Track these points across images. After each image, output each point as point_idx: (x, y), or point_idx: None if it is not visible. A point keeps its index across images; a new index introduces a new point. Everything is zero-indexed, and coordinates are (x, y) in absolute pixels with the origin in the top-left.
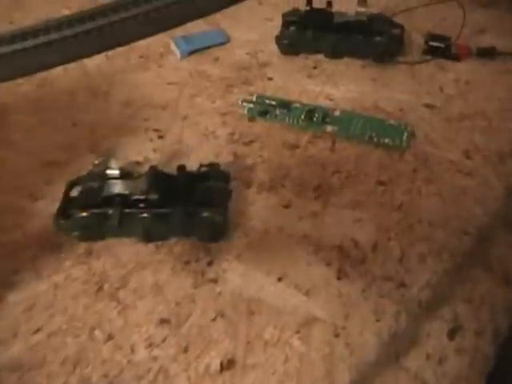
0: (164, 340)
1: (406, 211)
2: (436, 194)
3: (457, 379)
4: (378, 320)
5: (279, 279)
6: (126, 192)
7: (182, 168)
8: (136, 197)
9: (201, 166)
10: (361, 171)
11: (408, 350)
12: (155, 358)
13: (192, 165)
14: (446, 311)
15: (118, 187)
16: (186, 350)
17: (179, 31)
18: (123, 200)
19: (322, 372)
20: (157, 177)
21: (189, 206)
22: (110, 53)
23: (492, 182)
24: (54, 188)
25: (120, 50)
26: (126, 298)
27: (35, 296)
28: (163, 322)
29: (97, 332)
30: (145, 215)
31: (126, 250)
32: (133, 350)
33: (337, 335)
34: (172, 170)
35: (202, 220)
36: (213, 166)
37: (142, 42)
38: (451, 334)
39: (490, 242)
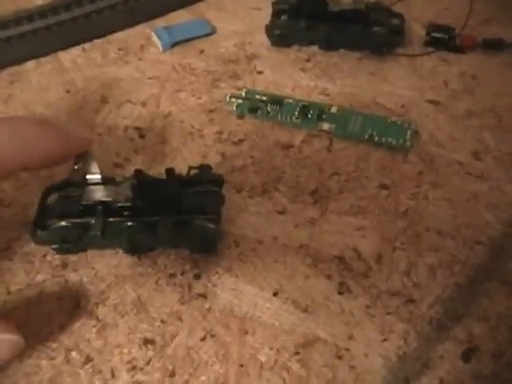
0: (148, 362)
1: (412, 218)
2: (444, 198)
3: None
4: (384, 340)
5: (274, 294)
6: (109, 199)
7: (171, 171)
8: (120, 204)
9: (190, 168)
10: (361, 174)
11: (419, 373)
12: (138, 383)
13: (177, 166)
14: (460, 330)
15: (99, 194)
16: (172, 374)
17: (161, 22)
18: (106, 208)
19: None
20: (143, 181)
21: (179, 213)
22: (86, 45)
23: (505, 185)
24: (24, 194)
25: (97, 42)
26: (106, 315)
27: (5, 314)
28: (147, 342)
29: (74, 354)
30: (130, 224)
31: (104, 262)
32: (113, 374)
33: (340, 357)
34: (155, 172)
35: (194, 228)
36: (204, 169)
37: (121, 34)
38: (466, 357)
39: (506, 253)
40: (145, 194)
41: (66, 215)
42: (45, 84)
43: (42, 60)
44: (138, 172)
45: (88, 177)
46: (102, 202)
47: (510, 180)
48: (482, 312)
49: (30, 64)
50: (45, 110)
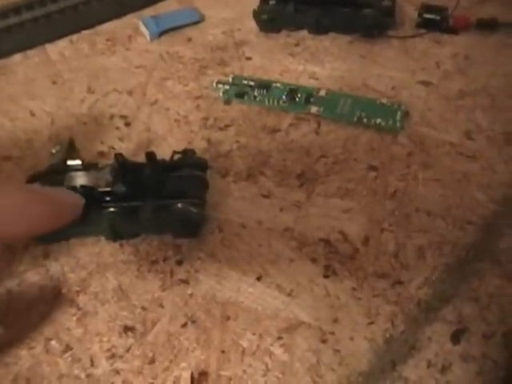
0: (128, 350)
1: (401, 199)
2: (434, 179)
3: None
4: (371, 323)
5: (258, 279)
6: (90, 184)
7: (151, 155)
8: (101, 189)
9: (174, 152)
10: (350, 156)
11: (406, 356)
12: (118, 371)
13: (162, 153)
14: (449, 312)
15: (80, 179)
16: (152, 361)
17: (149, 12)
18: (87, 193)
19: None
20: (124, 166)
21: (161, 198)
22: (73, 37)
23: (497, 165)
24: None
25: (85, 33)
26: (87, 303)
27: None
28: (127, 329)
29: (53, 343)
30: (111, 210)
31: (86, 251)
32: (93, 363)
33: (324, 341)
34: (141, 159)
35: (177, 213)
36: (187, 153)
37: (109, 25)
38: (455, 338)
39: (497, 233)
40: (125, 179)
41: None
42: (31, 76)
43: (29, 53)
44: (118, 156)
45: (69, 163)
46: (82, 188)
47: (502, 159)
48: (472, 292)
49: (17, 57)
50: (31, 102)
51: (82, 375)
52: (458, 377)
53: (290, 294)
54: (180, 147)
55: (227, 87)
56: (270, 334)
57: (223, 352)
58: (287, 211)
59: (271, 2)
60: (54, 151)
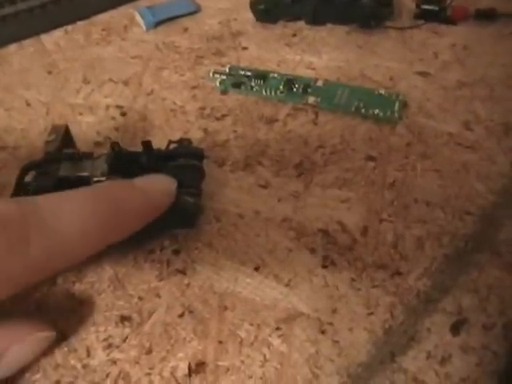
0: (124, 340)
1: (399, 190)
2: (433, 169)
3: (462, 381)
4: (370, 314)
5: (256, 269)
6: (85, 174)
7: (147, 144)
8: (96, 179)
9: (170, 142)
10: (348, 146)
11: (405, 348)
12: (114, 362)
13: (159, 143)
14: (449, 303)
15: (75, 168)
16: (149, 352)
17: (144, 2)
18: (82, 183)
19: (307, 375)
20: (119, 155)
21: None
22: (69, 27)
23: (496, 155)
24: (1, 175)
25: (80, 24)
26: (83, 293)
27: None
28: (124, 319)
29: None
30: None
31: None
32: (89, 353)
33: (323, 332)
34: (136, 148)
35: (173, 203)
36: (184, 142)
37: (105, 15)
38: (455, 329)
39: (497, 223)
40: (121, 168)
41: (41, 190)
42: (26, 66)
43: (24, 43)
44: (113, 145)
45: (65, 151)
46: (78, 177)
47: (501, 150)
48: (471, 283)
49: (12, 47)
50: (26, 92)
51: (78, 365)
52: (457, 368)
53: (288, 285)
54: (176, 137)
55: (224, 77)
56: (267, 324)
57: (221, 342)
58: (285, 201)
59: None
60: (49, 139)
